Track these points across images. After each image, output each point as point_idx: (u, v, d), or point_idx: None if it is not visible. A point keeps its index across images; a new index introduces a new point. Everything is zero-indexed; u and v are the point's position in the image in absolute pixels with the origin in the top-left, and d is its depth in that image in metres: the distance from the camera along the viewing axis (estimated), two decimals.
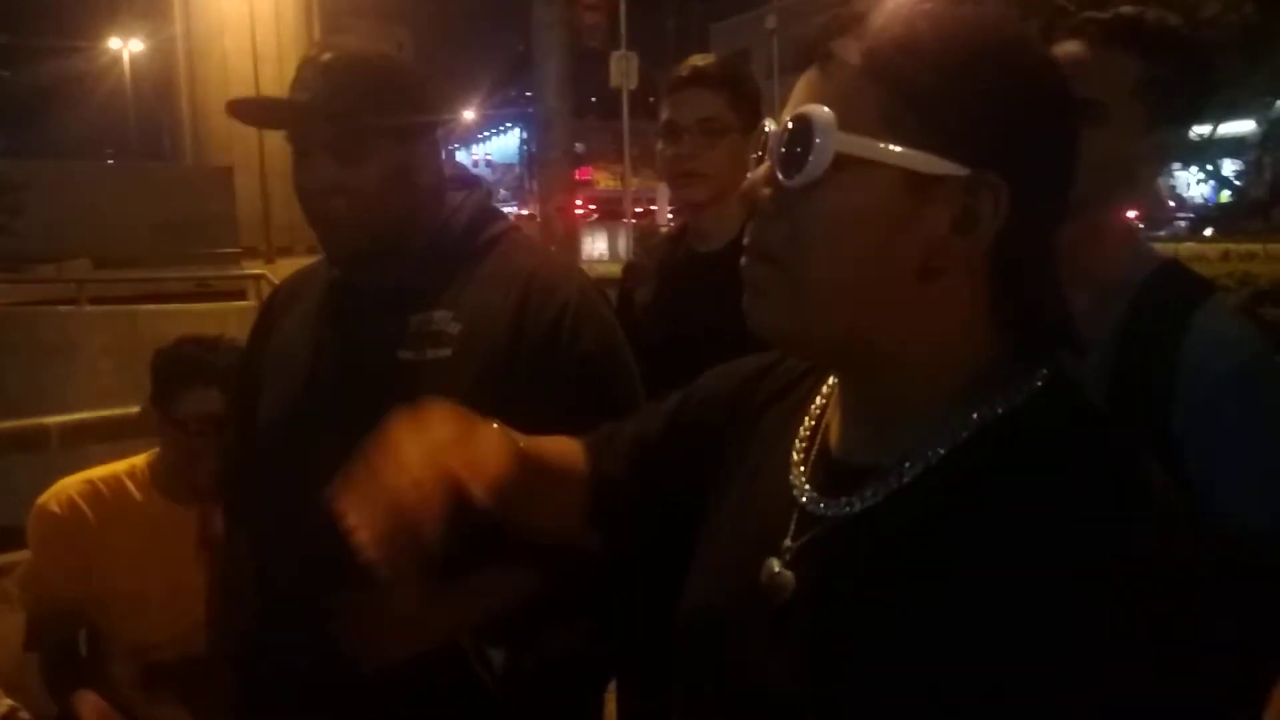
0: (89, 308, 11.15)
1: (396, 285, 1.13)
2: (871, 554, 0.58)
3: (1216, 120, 14.10)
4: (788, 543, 0.62)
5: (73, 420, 2.24)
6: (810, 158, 0.55)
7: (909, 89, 0.54)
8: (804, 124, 0.56)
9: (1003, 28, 0.57)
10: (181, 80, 27.08)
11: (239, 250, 18.91)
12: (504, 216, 1.26)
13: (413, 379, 1.08)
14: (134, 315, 10.84)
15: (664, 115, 1.63)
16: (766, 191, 0.59)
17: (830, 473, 0.63)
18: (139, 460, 1.71)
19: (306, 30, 27.09)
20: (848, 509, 0.59)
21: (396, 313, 1.12)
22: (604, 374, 1.15)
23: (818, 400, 0.68)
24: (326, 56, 1.09)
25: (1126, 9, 1.04)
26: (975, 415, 0.57)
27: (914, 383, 0.59)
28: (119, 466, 1.71)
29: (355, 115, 1.07)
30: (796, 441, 0.66)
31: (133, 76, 36.54)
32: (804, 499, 0.62)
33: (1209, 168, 15.65)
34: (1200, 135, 14.38)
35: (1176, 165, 17.11)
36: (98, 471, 1.70)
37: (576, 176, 8.31)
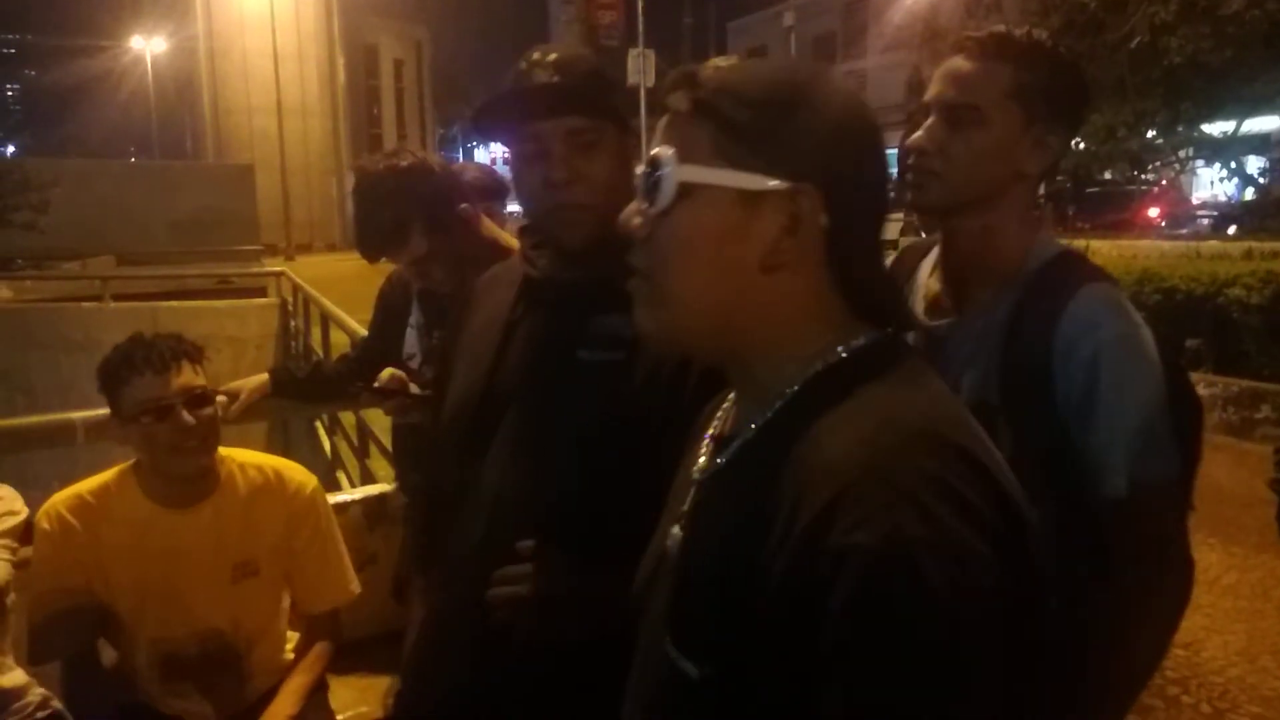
0: (112, 304, 11.29)
1: (585, 284, 1.15)
2: (717, 498, 0.72)
3: (1240, 117, 13.93)
4: (684, 509, 0.76)
5: (98, 415, 2.26)
6: (661, 189, 0.70)
7: (732, 125, 0.68)
8: (654, 163, 0.70)
9: (804, 69, 0.72)
10: (203, 79, 27.31)
11: (260, 247, 19.08)
12: None
13: (587, 379, 1.11)
14: (155, 312, 10.97)
15: None
16: (637, 221, 0.72)
17: (717, 446, 0.76)
18: (125, 467, 1.68)
19: (326, 29, 27.27)
20: (708, 470, 0.74)
21: (581, 312, 1.14)
22: None
23: (729, 397, 0.81)
24: (552, 56, 1.13)
25: (999, 27, 1.16)
26: (811, 370, 0.69)
27: (778, 360, 0.71)
28: (107, 476, 1.69)
29: (594, 101, 1.12)
30: (708, 431, 0.80)
31: (155, 76, 36.89)
32: (695, 472, 0.76)
33: (1232, 165, 15.43)
34: (1224, 132, 14.22)
35: (1199, 162, 16.95)
36: (85, 484, 1.68)
37: None
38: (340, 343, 5.05)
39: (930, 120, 1.14)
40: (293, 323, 10.03)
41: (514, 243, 1.44)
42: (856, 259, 0.71)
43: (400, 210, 1.81)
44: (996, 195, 1.14)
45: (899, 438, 0.61)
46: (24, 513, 1.69)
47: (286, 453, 6.44)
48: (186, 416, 1.54)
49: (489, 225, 1.91)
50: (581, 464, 1.08)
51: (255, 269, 14.12)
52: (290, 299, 10.48)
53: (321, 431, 6.16)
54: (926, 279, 1.24)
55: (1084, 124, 1.16)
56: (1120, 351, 1.06)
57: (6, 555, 1.61)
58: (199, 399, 1.58)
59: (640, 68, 14.75)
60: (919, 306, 1.21)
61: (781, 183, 0.67)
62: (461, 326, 1.31)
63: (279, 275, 11.43)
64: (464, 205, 1.84)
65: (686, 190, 0.69)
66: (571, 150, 1.12)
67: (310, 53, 27.02)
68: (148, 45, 36.37)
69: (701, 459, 0.77)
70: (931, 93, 1.16)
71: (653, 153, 0.71)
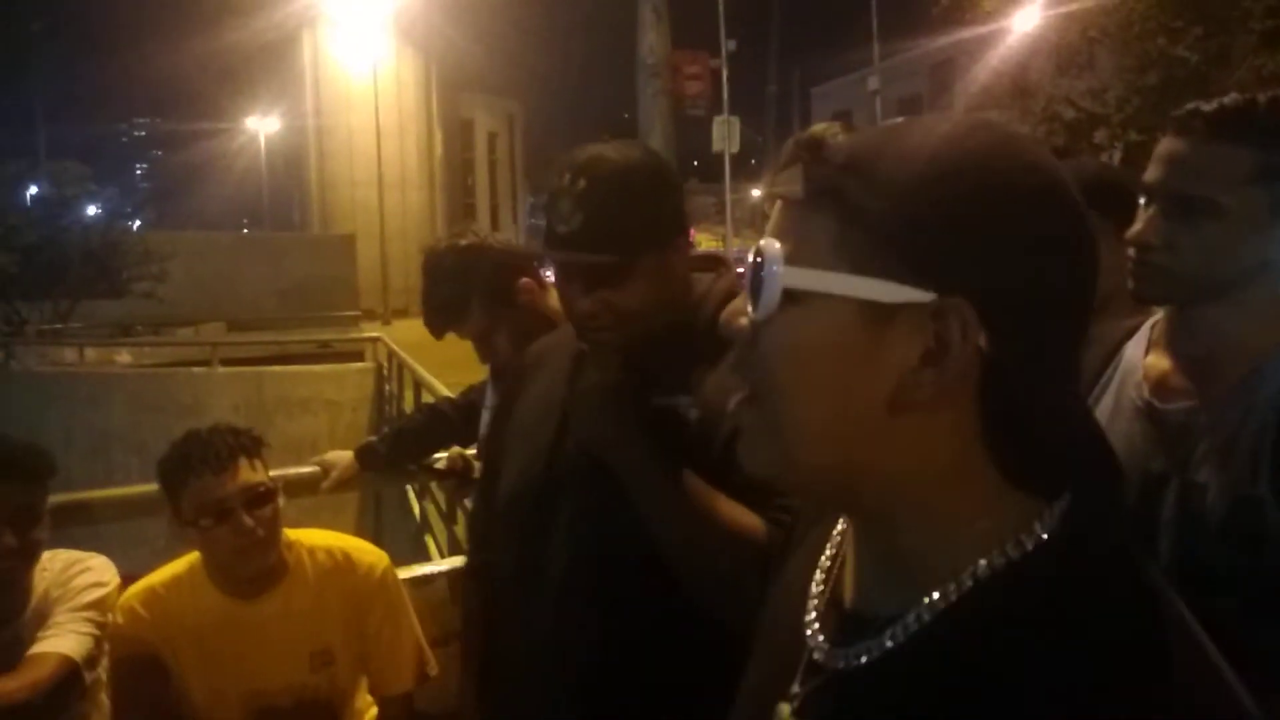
0: (220, 369, 11.83)
1: (641, 368, 1.12)
2: (863, 700, 0.54)
3: None
4: (795, 688, 0.59)
5: None
6: (764, 292, 0.54)
7: (858, 214, 0.51)
8: (759, 257, 0.55)
9: (965, 136, 0.53)
10: (310, 155, 28.90)
11: (358, 313, 19.81)
12: None
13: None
14: (260, 376, 11.46)
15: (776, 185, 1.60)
16: (743, 322, 0.57)
17: (839, 620, 0.59)
18: (195, 556, 1.64)
19: (425, 105, 28.61)
20: (848, 663, 0.56)
21: (639, 394, 1.11)
22: None
23: (834, 537, 0.65)
24: (581, 185, 1.07)
25: (1233, 98, 1.02)
26: (981, 563, 0.52)
27: (912, 526, 0.55)
28: (179, 566, 1.66)
29: (615, 248, 1.07)
30: (814, 581, 0.63)
31: (268, 153, 39.29)
32: (812, 647, 0.59)
33: None
34: None
35: None
36: (158, 575, 1.66)
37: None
38: None
39: (1151, 211, 1.03)
40: (387, 387, 10.30)
41: None
42: (1020, 400, 0.52)
43: (458, 286, 1.87)
44: (1241, 285, 1.02)
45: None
46: (114, 584, 1.70)
47: (378, 518, 6.55)
48: (246, 520, 1.52)
49: (554, 297, 1.92)
50: (644, 561, 1.03)
51: (353, 334, 14.64)
52: (385, 364, 10.80)
53: (411, 496, 6.24)
54: (1144, 359, 1.12)
55: None
56: None
57: (90, 629, 1.62)
58: (259, 498, 1.56)
59: (725, 134, 14.92)
60: (1134, 391, 1.10)
61: (922, 293, 0.50)
62: (515, 402, 1.28)
63: (375, 340, 11.81)
64: (524, 280, 1.85)
65: (794, 298, 0.53)
66: (597, 286, 1.09)
67: (410, 128, 28.37)
68: (261, 125, 38.87)
69: (810, 621, 0.61)
70: (1151, 177, 1.04)
71: (759, 245, 0.55)
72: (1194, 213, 1.00)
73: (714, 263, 1.25)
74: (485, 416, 2.13)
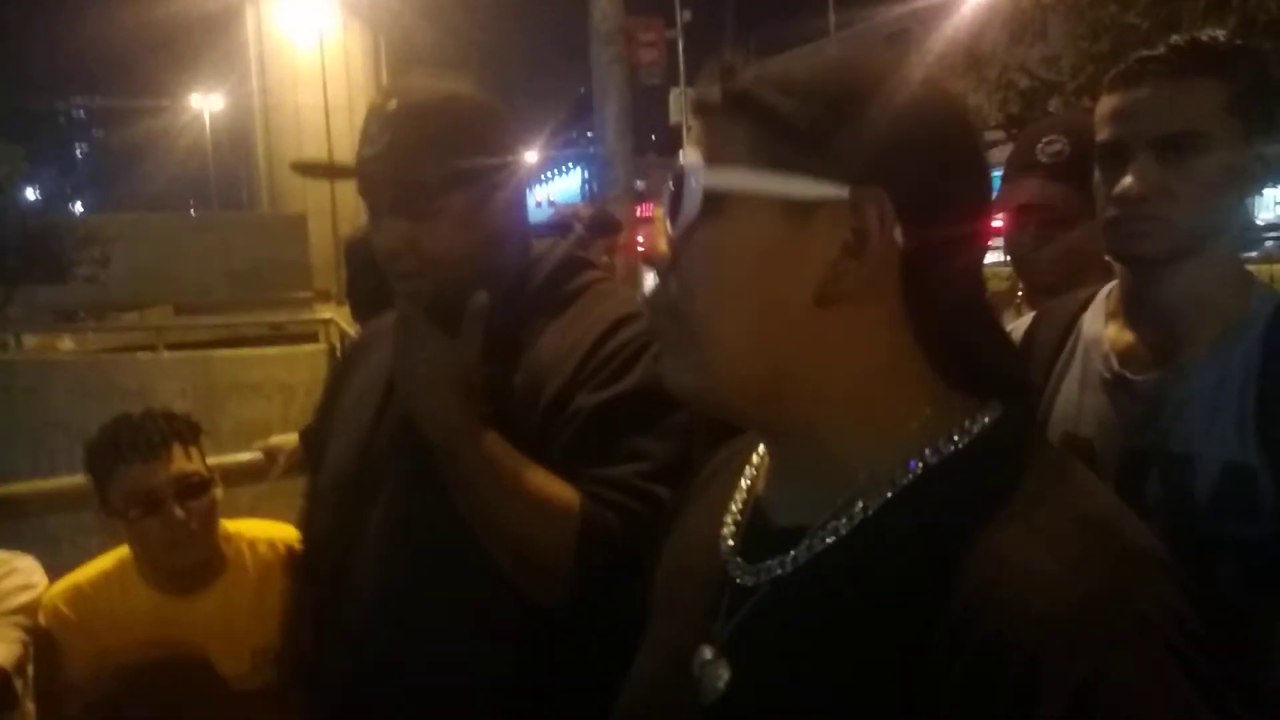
0: (166, 354, 11.54)
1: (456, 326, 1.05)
2: (805, 625, 0.53)
3: None
4: (718, 627, 0.57)
5: None
6: (684, 201, 0.54)
7: (772, 116, 0.53)
8: (678, 170, 0.55)
9: (871, 58, 0.57)
10: (257, 133, 28.19)
11: (311, 294, 19.42)
12: (593, 266, 1.18)
13: None
14: (209, 360, 11.19)
15: None
16: (663, 248, 0.57)
17: (759, 538, 0.58)
18: (125, 552, 1.55)
19: (375, 81, 28.01)
20: (773, 573, 0.55)
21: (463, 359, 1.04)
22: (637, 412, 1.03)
23: (753, 462, 0.64)
24: (391, 105, 1.02)
25: (1180, 38, 1.01)
26: (916, 461, 0.53)
27: (840, 429, 0.55)
28: (106, 563, 1.57)
29: (421, 171, 1.00)
30: (730, 510, 0.62)
31: (213, 131, 38.28)
32: (730, 569, 0.58)
33: None
34: None
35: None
36: (83, 573, 1.56)
37: (638, 213, 8.33)
38: None
39: (1136, 162, 0.98)
40: None
41: None
42: (946, 298, 0.54)
43: (380, 276, 1.78)
44: (1216, 236, 0.99)
45: (1120, 560, 0.46)
46: (42, 585, 1.60)
47: None
48: (178, 510, 1.42)
49: None
50: (459, 538, 0.96)
51: (306, 315, 14.33)
52: (338, 345, 10.59)
53: None
54: (1105, 331, 1.07)
55: None
56: None
57: (19, 635, 1.51)
58: (193, 488, 1.46)
59: (683, 106, 14.81)
60: (1100, 364, 1.06)
61: (838, 187, 0.51)
62: (342, 385, 1.22)
63: (328, 322, 11.57)
64: None
65: (716, 201, 0.53)
66: (402, 219, 1.02)
67: (359, 105, 27.76)
68: (205, 102, 37.84)
69: (726, 549, 0.59)
70: (1120, 130, 1.00)
71: (678, 161, 0.55)
72: (1183, 151, 0.96)
73: (565, 228, 1.18)
74: None
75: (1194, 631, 0.45)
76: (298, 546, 1.60)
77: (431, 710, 0.99)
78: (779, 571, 0.54)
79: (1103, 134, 1.02)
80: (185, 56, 35.89)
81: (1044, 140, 1.45)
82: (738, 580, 0.57)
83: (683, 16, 16.35)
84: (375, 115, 1.02)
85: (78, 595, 1.53)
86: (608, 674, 0.66)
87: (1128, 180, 0.98)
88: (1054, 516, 0.48)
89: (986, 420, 0.54)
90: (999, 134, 10.16)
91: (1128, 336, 1.05)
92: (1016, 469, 0.51)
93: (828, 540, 0.53)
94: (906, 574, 0.49)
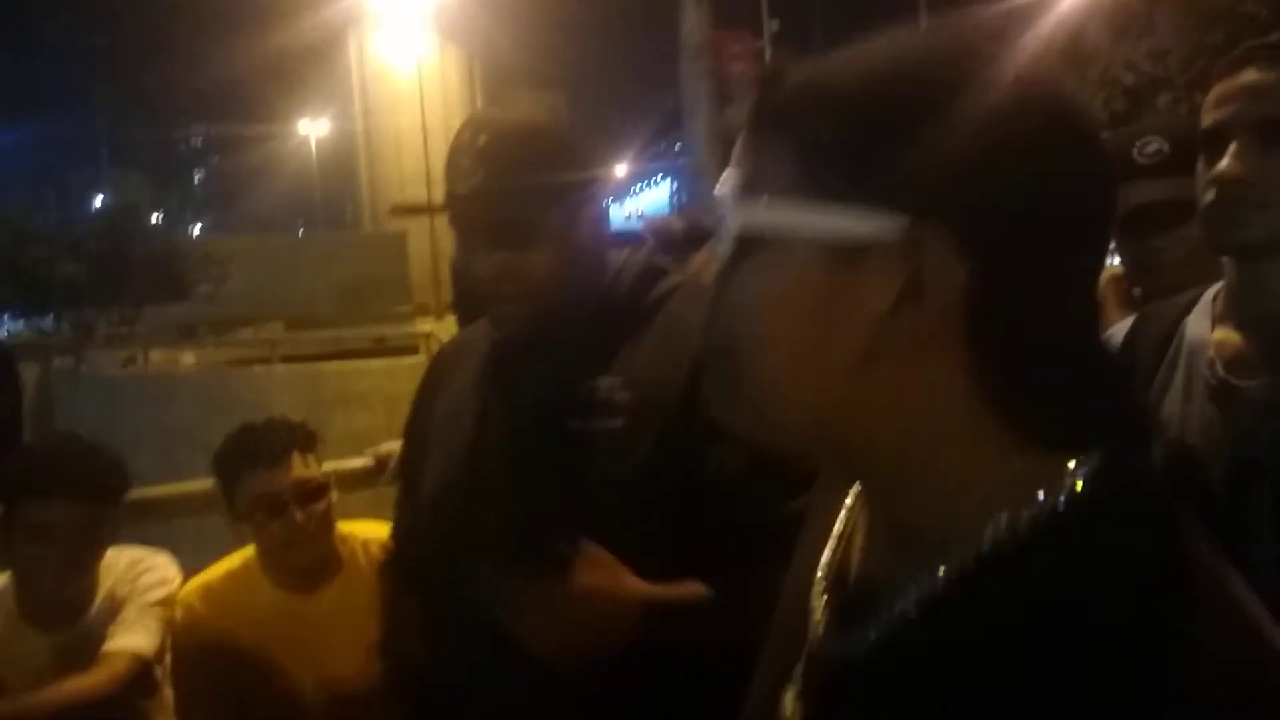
0: (279, 366, 12.09)
1: (562, 351, 1.08)
2: (868, 695, 0.48)
3: None
4: (797, 673, 0.53)
5: None
6: (724, 233, 0.47)
7: (815, 136, 0.45)
8: (719, 199, 0.49)
9: (943, 44, 0.46)
10: (360, 156, 29.32)
11: (411, 308, 20.06)
12: (670, 272, 1.20)
13: (584, 450, 1.04)
14: (318, 372, 11.69)
15: None
16: (714, 269, 0.51)
17: (843, 598, 0.53)
18: (251, 552, 1.64)
19: (470, 102, 28.77)
20: (846, 650, 0.49)
21: (563, 379, 1.07)
22: None
23: (847, 505, 0.57)
24: (481, 140, 1.05)
25: None
26: (988, 532, 0.44)
27: (912, 489, 0.47)
28: (234, 562, 1.66)
29: (517, 204, 1.04)
30: (822, 556, 0.56)
31: (318, 155, 40.00)
32: (811, 635, 0.53)
33: None
34: None
35: None
36: (214, 571, 1.67)
37: None
38: None
39: (1235, 145, 0.96)
40: None
41: None
42: (1015, 342, 0.44)
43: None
44: None
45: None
46: (177, 581, 1.72)
47: None
48: (298, 514, 1.52)
49: None
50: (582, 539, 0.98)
51: (407, 329, 14.82)
52: None
53: None
54: (1212, 334, 1.04)
55: None
56: None
57: (157, 626, 1.64)
58: (311, 493, 1.55)
59: None
60: (1205, 369, 1.02)
61: (894, 220, 0.42)
62: (429, 407, 1.23)
63: (428, 335, 11.95)
64: None
65: (750, 239, 0.46)
66: (501, 251, 1.04)
67: (455, 126, 28.55)
68: (312, 128, 39.60)
69: (816, 598, 0.54)
70: (1230, 112, 0.97)
71: (722, 177, 0.49)
72: None
73: (633, 239, 1.20)
74: None
75: None
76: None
77: (545, 709, 1.02)
78: (855, 647, 0.49)
79: (1206, 120, 0.99)
80: (293, 84, 37.68)
81: (1139, 142, 1.42)
82: (813, 642, 0.53)
83: (770, 27, 16.27)
84: (465, 150, 1.05)
85: (209, 592, 1.65)
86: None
87: (1225, 162, 0.96)
88: (1196, 662, 0.40)
89: (1078, 480, 0.44)
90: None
91: (1235, 340, 1.01)
92: (1094, 550, 0.43)
93: (901, 613, 0.46)
94: (966, 657, 0.43)
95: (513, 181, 1.03)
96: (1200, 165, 1.01)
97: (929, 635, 0.45)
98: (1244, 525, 0.94)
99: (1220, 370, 1.00)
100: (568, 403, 1.05)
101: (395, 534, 1.40)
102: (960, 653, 0.44)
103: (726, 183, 0.48)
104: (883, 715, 0.47)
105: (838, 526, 0.57)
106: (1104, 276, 1.76)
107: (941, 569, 0.45)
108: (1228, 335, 1.02)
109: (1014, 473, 0.45)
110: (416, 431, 1.27)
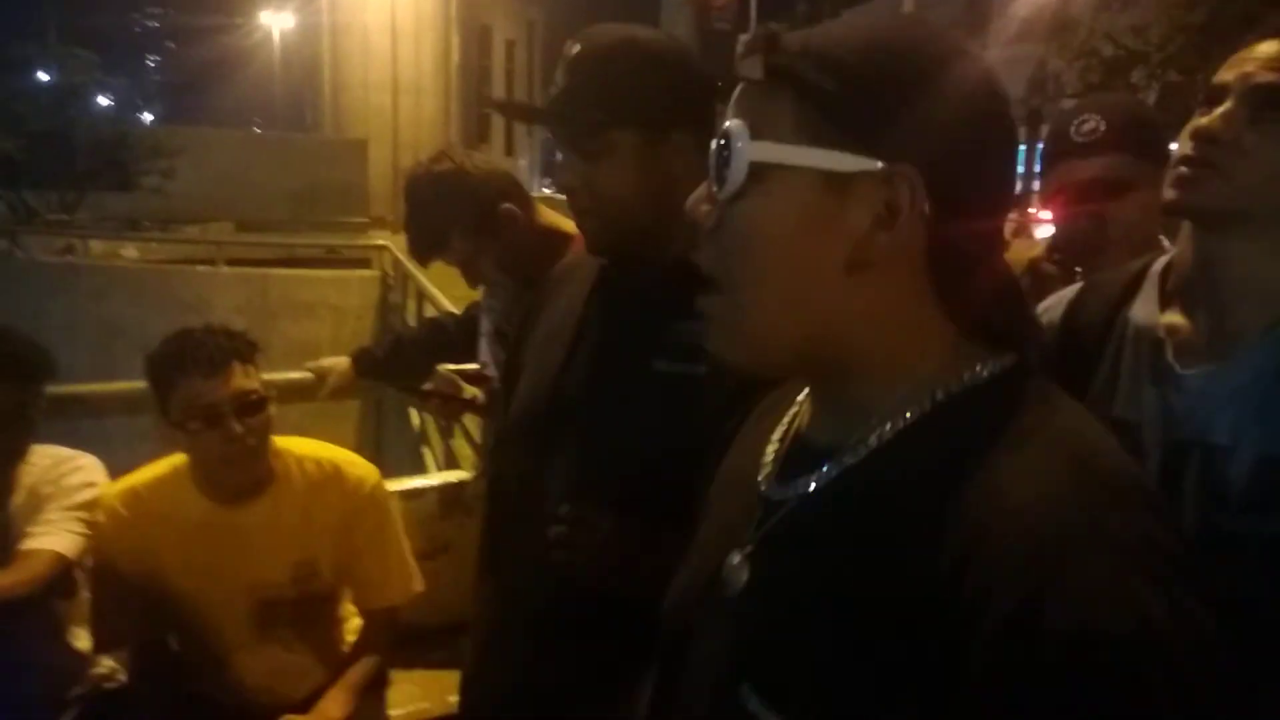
0: (225, 269, 11.77)
1: (656, 288, 1.07)
2: (816, 535, 0.59)
3: None
4: (749, 535, 0.63)
5: None
6: (730, 170, 0.58)
7: (815, 94, 0.57)
8: (724, 138, 0.59)
9: (912, 29, 0.60)
10: (324, 55, 28.21)
11: (367, 220, 19.62)
12: None
13: (665, 391, 1.03)
14: (265, 278, 11.39)
15: None
16: (705, 209, 0.61)
17: (794, 461, 0.64)
18: (180, 459, 1.60)
19: (443, 9, 27.81)
20: (801, 489, 0.61)
21: (656, 318, 1.05)
22: None
23: (797, 400, 0.69)
24: (574, 50, 1.06)
25: None
26: (931, 396, 0.58)
27: (874, 376, 0.60)
28: (161, 468, 1.62)
29: (588, 109, 1.04)
30: (772, 439, 0.68)
31: (281, 51, 38.43)
32: (764, 486, 0.64)
33: None
34: None
35: None
36: (139, 475, 1.62)
37: None
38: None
39: (1228, 105, 0.92)
40: (391, 296, 10.24)
41: (573, 228, 1.35)
42: (965, 260, 0.59)
43: (438, 215, 1.82)
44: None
45: (1103, 488, 0.51)
46: (101, 484, 1.68)
47: (379, 425, 6.57)
48: (236, 425, 1.47)
49: (547, 215, 1.86)
50: (649, 486, 0.98)
51: (361, 241, 14.51)
52: (390, 272, 10.71)
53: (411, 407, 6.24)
54: (1161, 317, 1.03)
55: None
56: None
57: (81, 529, 1.60)
58: (251, 405, 1.50)
59: None
60: (1152, 349, 1.01)
61: (873, 162, 0.56)
62: (535, 320, 1.24)
63: (382, 249, 11.70)
64: (505, 206, 1.80)
65: (760, 172, 0.58)
66: (577, 157, 1.06)
67: (426, 32, 27.62)
68: (276, 20, 37.93)
69: (765, 470, 0.66)
70: (1230, 75, 0.93)
71: (724, 127, 0.59)
72: (1275, 108, 0.89)
73: None
74: (483, 344, 2.08)
75: (1170, 555, 0.48)
76: (345, 468, 1.66)
77: (611, 621, 1.01)
78: (803, 490, 0.60)
79: (1213, 80, 0.96)
80: None
81: (1076, 121, 1.41)
82: (770, 496, 0.63)
83: None
84: (562, 60, 1.06)
85: (134, 496, 1.60)
86: None
87: (1208, 118, 0.93)
88: (1042, 453, 0.52)
89: (996, 367, 0.59)
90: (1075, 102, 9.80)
91: (1182, 323, 1.00)
92: (1013, 407, 0.56)
93: (846, 464, 0.58)
94: (910, 505, 0.54)
95: (589, 89, 1.04)
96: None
97: (866, 479, 0.57)
98: (1177, 509, 0.94)
99: (1167, 354, 1.00)
100: (654, 342, 1.05)
101: (486, 449, 1.43)
102: (886, 499, 0.55)
103: (732, 127, 0.58)
104: (825, 550, 0.57)
105: (787, 417, 0.68)
106: (1037, 251, 1.78)
107: (883, 428, 0.58)
108: (1177, 319, 1.01)
109: (953, 358, 0.59)
110: (515, 355, 1.27)
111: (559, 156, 1.12)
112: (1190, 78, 9.34)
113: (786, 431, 0.68)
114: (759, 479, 0.65)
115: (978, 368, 0.59)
